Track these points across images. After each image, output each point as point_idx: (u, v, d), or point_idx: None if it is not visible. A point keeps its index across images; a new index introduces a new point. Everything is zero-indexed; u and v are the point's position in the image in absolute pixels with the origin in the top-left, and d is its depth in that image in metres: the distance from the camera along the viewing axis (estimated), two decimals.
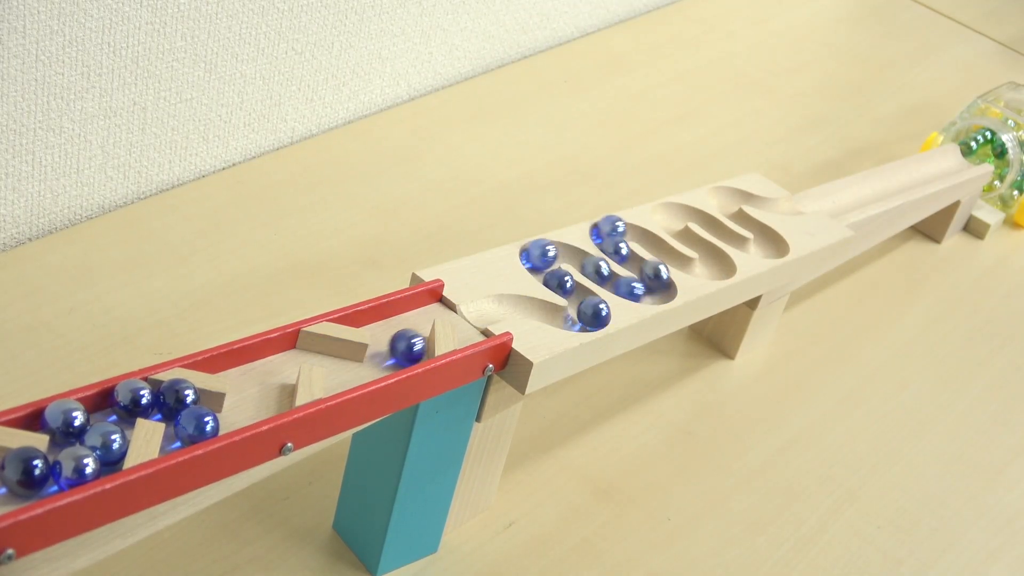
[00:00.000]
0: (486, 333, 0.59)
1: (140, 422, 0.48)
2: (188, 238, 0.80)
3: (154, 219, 0.81)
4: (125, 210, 0.82)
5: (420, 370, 0.55)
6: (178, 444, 0.48)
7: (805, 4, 1.33)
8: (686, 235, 0.75)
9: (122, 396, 0.48)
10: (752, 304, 0.79)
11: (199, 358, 0.52)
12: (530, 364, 0.59)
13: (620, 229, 0.71)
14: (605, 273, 0.68)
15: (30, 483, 0.44)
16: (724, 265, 0.74)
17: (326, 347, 0.56)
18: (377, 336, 0.58)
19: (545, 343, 0.60)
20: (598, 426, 0.75)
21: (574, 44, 1.15)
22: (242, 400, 0.52)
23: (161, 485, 0.46)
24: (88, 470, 0.44)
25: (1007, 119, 1.02)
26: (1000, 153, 1.02)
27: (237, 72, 0.85)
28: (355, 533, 0.63)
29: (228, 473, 0.48)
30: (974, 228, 1.02)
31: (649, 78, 1.12)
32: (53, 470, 0.44)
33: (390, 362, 0.56)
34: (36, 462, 0.44)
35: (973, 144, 1.02)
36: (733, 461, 0.75)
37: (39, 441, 0.45)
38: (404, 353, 0.56)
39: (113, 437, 0.46)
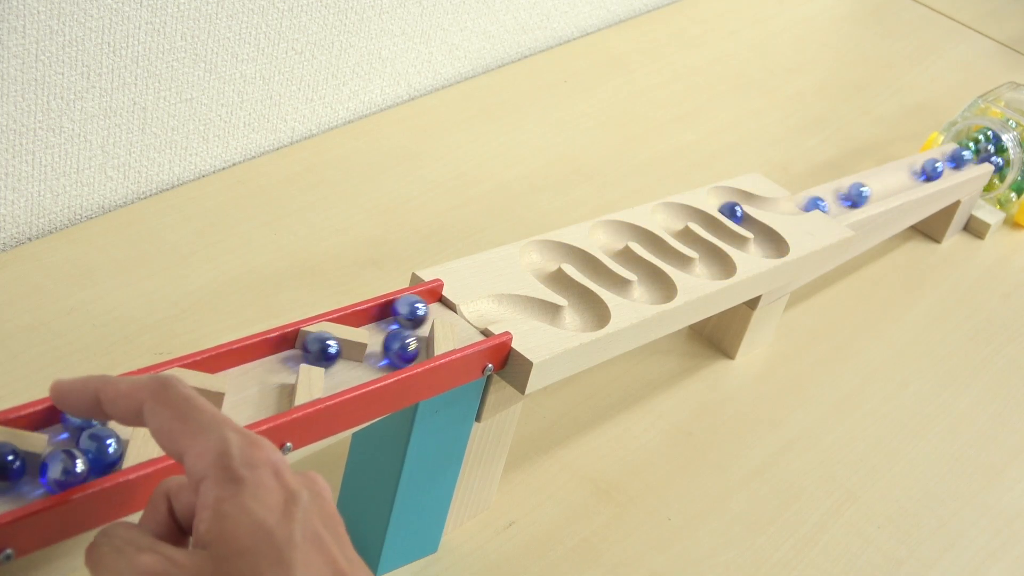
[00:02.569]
0: (486, 333, 0.59)
1: None
2: (188, 238, 0.80)
3: (154, 219, 0.81)
4: (125, 210, 0.82)
5: (419, 370, 0.55)
6: None
7: (805, 4, 1.33)
8: (686, 235, 0.75)
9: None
10: (752, 304, 0.79)
11: (199, 358, 0.52)
12: (530, 364, 0.58)
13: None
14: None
15: (5, 475, 0.43)
16: (724, 265, 0.74)
17: None
18: (377, 336, 0.58)
19: (545, 343, 0.60)
20: (598, 426, 0.75)
21: (574, 44, 1.15)
22: (242, 400, 0.52)
23: None
24: (77, 469, 0.44)
25: (1007, 119, 1.02)
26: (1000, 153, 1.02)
27: (237, 72, 0.85)
28: (355, 533, 0.63)
29: None
30: (974, 228, 1.02)
31: (649, 78, 1.12)
32: (42, 470, 0.44)
33: (383, 363, 0.56)
34: (10, 457, 0.43)
35: (973, 144, 1.02)
36: (733, 461, 0.75)
37: (40, 441, 0.45)
38: (398, 353, 0.56)
39: (108, 442, 0.46)
